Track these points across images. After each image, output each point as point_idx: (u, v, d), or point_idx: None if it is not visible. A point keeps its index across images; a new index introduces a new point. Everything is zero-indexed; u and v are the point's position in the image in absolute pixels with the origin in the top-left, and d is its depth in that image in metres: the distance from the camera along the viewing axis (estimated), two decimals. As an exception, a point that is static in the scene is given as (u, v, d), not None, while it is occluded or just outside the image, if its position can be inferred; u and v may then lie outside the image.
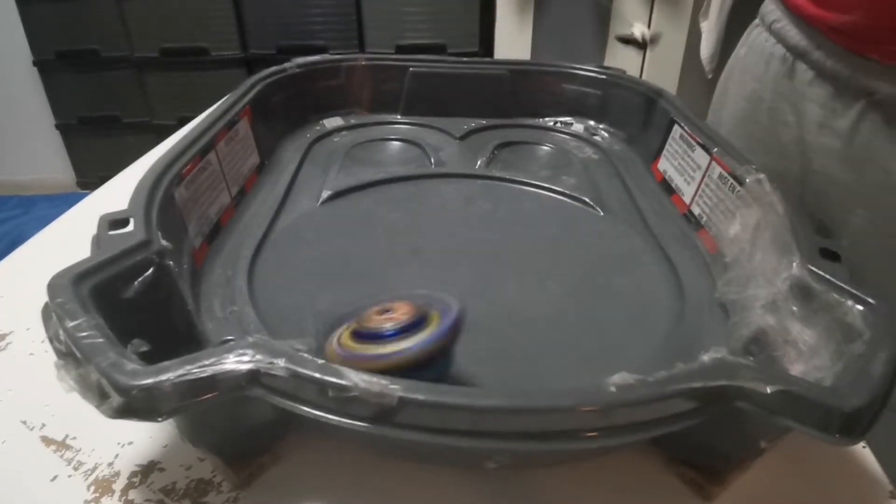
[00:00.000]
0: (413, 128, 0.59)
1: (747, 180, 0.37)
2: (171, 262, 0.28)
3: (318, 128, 0.57)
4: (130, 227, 0.28)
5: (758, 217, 0.35)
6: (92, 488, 0.26)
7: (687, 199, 0.44)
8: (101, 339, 0.20)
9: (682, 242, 0.41)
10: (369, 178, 0.49)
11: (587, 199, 0.47)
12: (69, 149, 1.86)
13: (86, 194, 0.52)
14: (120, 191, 0.51)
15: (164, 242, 0.28)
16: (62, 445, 0.28)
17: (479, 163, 0.52)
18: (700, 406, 0.21)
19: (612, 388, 0.20)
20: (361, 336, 0.25)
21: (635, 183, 0.49)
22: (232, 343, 0.21)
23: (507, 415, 0.18)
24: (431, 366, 0.24)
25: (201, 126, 0.40)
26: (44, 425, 0.29)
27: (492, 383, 0.30)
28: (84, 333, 0.21)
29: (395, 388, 0.19)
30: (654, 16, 1.05)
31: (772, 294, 0.30)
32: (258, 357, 0.20)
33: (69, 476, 0.27)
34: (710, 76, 1.00)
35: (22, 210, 1.70)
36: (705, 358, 0.23)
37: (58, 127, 1.82)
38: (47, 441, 0.28)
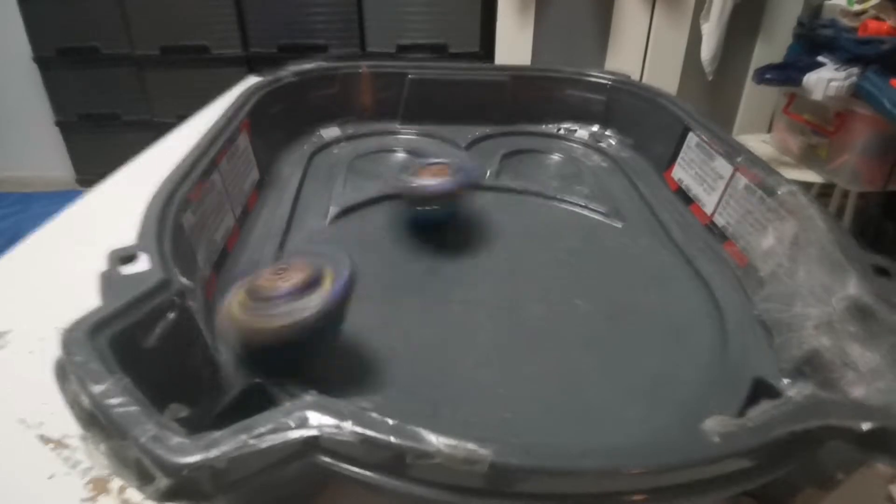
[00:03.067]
0: (415, 137, 0.56)
1: (779, 192, 0.36)
2: (192, 303, 0.25)
3: (315, 139, 0.55)
4: (145, 265, 0.25)
5: (795, 230, 0.34)
6: (89, 487, 0.26)
7: (708, 210, 0.43)
8: (134, 407, 0.18)
9: (709, 255, 0.40)
10: (376, 192, 0.46)
11: (604, 210, 0.46)
12: (69, 146, 1.84)
13: (85, 191, 0.51)
14: (119, 189, 0.52)
15: (183, 280, 0.25)
16: (60, 444, 0.28)
17: (488, 173, 0.51)
18: (794, 450, 0.20)
19: (717, 439, 0.18)
20: (256, 297, 0.25)
21: (650, 192, 0.48)
22: (288, 405, 0.18)
23: (614, 476, 0.17)
24: (323, 331, 0.25)
25: (202, 143, 0.37)
26: (41, 424, 0.29)
27: (537, 417, 0.29)
28: (114, 401, 0.18)
29: (484, 452, 0.17)
30: (654, 17, 1.05)
31: (826, 314, 0.29)
32: (322, 421, 0.18)
33: (66, 475, 0.26)
34: (710, 78, 1.00)
35: (21, 207, 1.69)
36: (792, 393, 0.21)
37: (58, 124, 1.80)
38: (45, 440, 0.28)
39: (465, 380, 0.31)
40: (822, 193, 1.06)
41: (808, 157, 1.03)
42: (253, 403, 0.28)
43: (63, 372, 0.20)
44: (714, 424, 0.19)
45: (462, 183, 0.40)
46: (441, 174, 0.40)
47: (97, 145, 1.80)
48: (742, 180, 0.39)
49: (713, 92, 1.07)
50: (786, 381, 0.30)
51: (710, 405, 0.29)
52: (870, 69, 0.90)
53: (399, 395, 0.29)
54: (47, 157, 1.90)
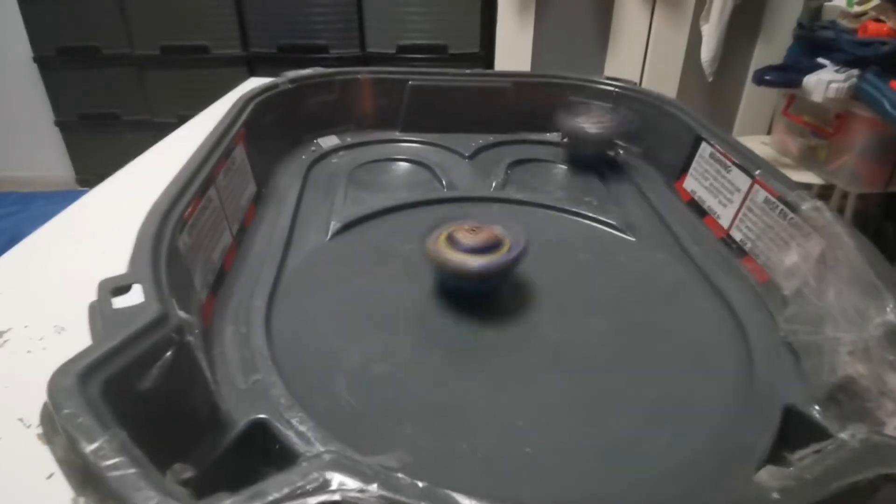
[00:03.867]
0: (416, 146, 0.55)
1: (803, 207, 0.34)
2: (191, 338, 0.23)
3: (313, 148, 0.53)
4: (140, 297, 0.23)
5: (821, 248, 0.33)
6: None
7: (724, 223, 0.41)
8: (133, 470, 0.16)
9: (727, 271, 0.38)
10: (378, 204, 0.44)
11: (615, 223, 0.44)
12: (69, 146, 1.85)
13: (85, 191, 0.51)
14: (119, 189, 0.53)
15: (181, 314, 0.23)
16: None
17: (493, 184, 0.49)
18: (850, 501, 0.18)
19: (776, 495, 0.16)
20: (451, 241, 0.34)
21: (662, 203, 0.46)
22: (305, 465, 0.16)
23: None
24: (488, 281, 0.35)
25: (197, 158, 0.35)
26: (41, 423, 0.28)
27: (561, 450, 0.27)
28: (110, 462, 0.16)
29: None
30: (654, 18, 1.04)
31: (861, 339, 0.27)
32: (344, 483, 0.16)
33: None
34: (710, 79, 0.99)
35: (20, 207, 1.73)
36: (845, 436, 0.20)
37: (57, 124, 1.80)
38: (44, 439, 0.26)
39: (480, 409, 0.29)
40: (822, 195, 1.06)
41: (807, 159, 1.03)
42: (256, 441, 0.26)
43: (51, 424, 0.18)
44: (769, 478, 0.17)
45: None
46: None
47: (97, 145, 1.80)
48: (762, 193, 0.38)
49: (713, 93, 1.06)
50: (816, 408, 0.28)
51: (741, 434, 0.28)
52: (869, 71, 0.90)
53: (411, 430, 0.27)
54: (47, 157, 1.91)
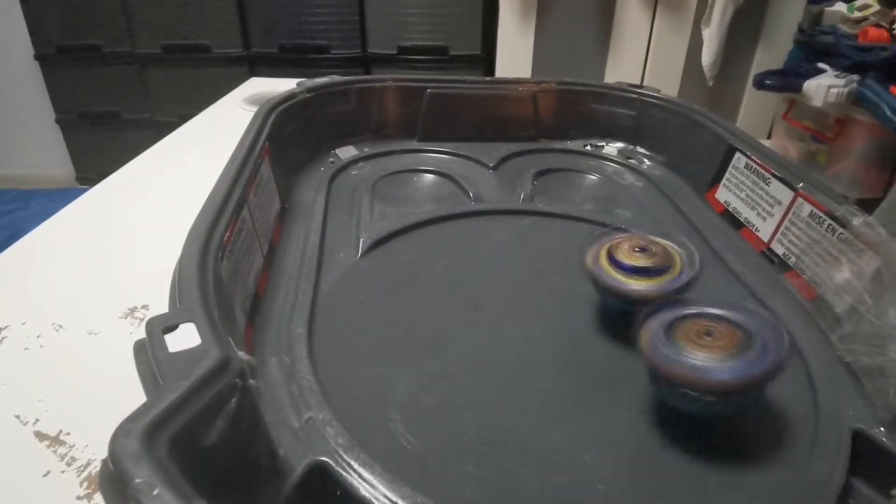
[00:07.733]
0: (437, 156, 0.53)
1: (854, 222, 0.34)
2: (253, 381, 0.21)
3: (331, 160, 0.51)
4: (195, 338, 0.21)
5: (877, 265, 0.32)
6: (84, 484, 0.26)
7: (764, 237, 0.41)
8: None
9: (773, 287, 0.37)
10: (407, 219, 0.43)
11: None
12: (69, 144, 1.85)
13: (84, 190, 0.52)
14: (119, 188, 0.52)
15: (242, 355, 0.21)
16: (56, 441, 0.28)
17: (521, 196, 0.48)
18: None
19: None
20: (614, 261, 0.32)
21: (695, 215, 0.45)
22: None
23: None
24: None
25: (230, 174, 0.33)
26: (37, 420, 0.29)
27: (633, 486, 0.26)
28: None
29: None
30: (655, 21, 1.04)
31: (936, 364, 0.27)
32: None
33: (62, 472, 0.26)
34: (711, 83, 0.99)
35: (20, 204, 1.73)
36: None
37: (58, 121, 1.80)
38: (41, 436, 0.28)
39: (541, 442, 0.28)
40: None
41: (807, 163, 1.03)
42: (315, 486, 0.24)
43: (115, 489, 0.16)
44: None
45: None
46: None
47: (97, 143, 1.79)
48: (806, 207, 0.37)
49: (713, 97, 1.06)
50: (881, 429, 0.28)
51: (814, 463, 0.27)
52: (870, 76, 0.90)
53: (475, 468, 0.26)
54: (47, 155, 1.90)
